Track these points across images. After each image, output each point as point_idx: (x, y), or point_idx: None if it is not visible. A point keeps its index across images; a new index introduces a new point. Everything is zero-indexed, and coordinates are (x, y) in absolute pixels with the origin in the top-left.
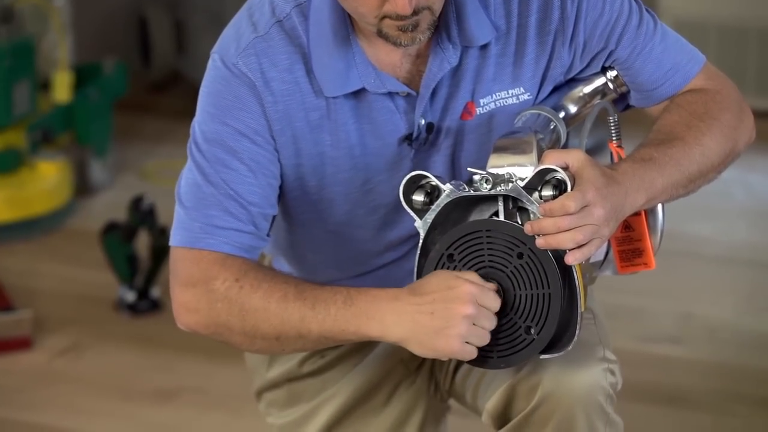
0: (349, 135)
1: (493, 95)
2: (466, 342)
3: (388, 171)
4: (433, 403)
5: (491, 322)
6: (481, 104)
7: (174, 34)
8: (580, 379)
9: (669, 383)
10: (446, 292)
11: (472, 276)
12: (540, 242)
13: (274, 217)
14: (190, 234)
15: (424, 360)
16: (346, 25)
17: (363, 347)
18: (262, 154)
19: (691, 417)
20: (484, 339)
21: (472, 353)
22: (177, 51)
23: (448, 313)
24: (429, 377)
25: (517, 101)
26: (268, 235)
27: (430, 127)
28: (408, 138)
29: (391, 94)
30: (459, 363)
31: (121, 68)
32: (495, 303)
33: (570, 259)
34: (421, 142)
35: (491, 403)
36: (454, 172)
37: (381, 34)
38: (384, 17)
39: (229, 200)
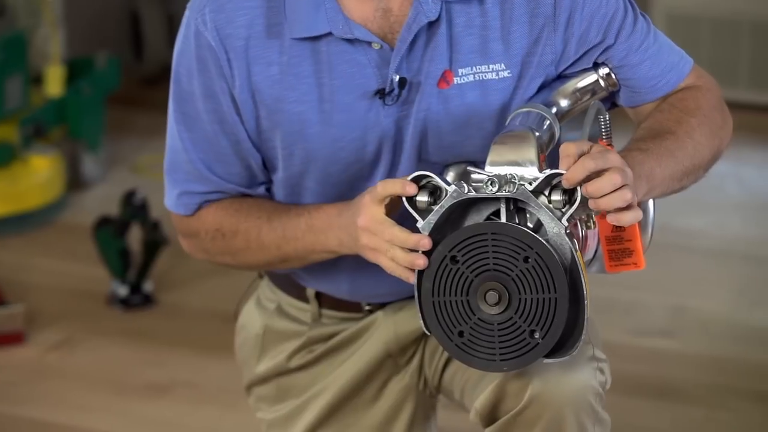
0: (313, 89)
1: (473, 68)
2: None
3: (361, 129)
4: (422, 398)
5: (390, 230)
6: (460, 74)
7: (166, 28)
8: (569, 380)
9: (661, 377)
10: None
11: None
12: (592, 204)
13: (246, 173)
14: (171, 199)
15: (413, 356)
16: None
17: (350, 343)
18: (225, 113)
19: (684, 410)
20: (383, 247)
21: (398, 272)
22: (169, 45)
23: (356, 230)
24: (418, 373)
25: (497, 77)
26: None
27: (402, 81)
28: (380, 92)
29: (362, 47)
30: (448, 360)
31: (114, 62)
32: (393, 187)
33: (629, 217)
34: (393, 98)
35: (480, 401)
36: (423, 139)
37: None
38: None
39: (196, 165)
